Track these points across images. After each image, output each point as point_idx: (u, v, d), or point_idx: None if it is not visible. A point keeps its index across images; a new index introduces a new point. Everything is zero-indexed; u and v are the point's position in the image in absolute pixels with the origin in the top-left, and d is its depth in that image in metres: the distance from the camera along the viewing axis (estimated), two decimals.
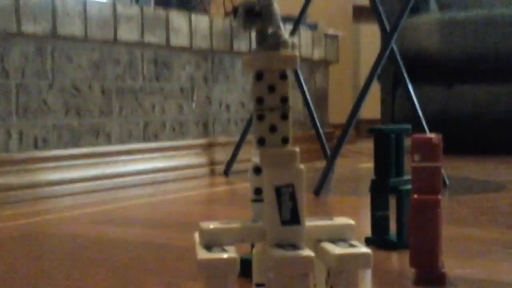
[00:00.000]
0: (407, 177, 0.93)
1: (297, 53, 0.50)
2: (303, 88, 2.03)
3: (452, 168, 2.02)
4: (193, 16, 1.94)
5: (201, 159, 1.98)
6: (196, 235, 0.52)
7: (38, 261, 0.88)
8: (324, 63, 2.66)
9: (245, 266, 0.56)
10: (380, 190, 0.94)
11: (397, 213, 0.92)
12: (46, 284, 0.76)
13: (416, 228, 0.73)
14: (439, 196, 0.73)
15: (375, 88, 2.28)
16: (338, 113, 3.05)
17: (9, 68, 1.48)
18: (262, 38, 0.50)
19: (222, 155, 2.03)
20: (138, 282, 0.76)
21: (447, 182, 1.62)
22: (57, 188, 1.55)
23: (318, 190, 1.49)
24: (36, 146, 1.54)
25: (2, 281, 0.78)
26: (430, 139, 0.73)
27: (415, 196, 0.74)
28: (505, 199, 1.38)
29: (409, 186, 0.92)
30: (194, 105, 1.97)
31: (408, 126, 0.96)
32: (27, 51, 1.51)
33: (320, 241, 0.50)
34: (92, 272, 0.81)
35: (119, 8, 1.70)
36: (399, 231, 0.91)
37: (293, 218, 0.48)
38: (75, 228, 1.13)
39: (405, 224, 0.90)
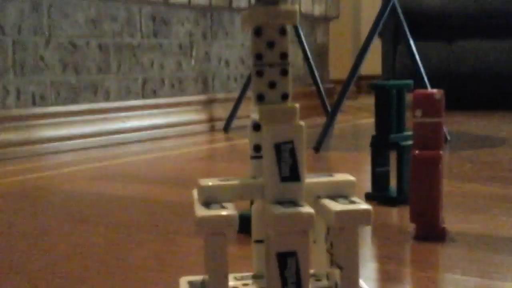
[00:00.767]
0: (408, 132, 0.93)
1: (296, 8, 0.49)
2: (303, 44, 2.01)
3: (454, 124, 2.01)
4: None
5: (201, 116, 1.97)
6: (195, 192, 0.51)
7: (36, 217, 0.88)
8: (325, 19, 2.63)
9: (244, 223, 0.56)
10: (381, 146, 0.94)
11: (397, 168, 0.91)
12: (44, 240, 0.76)
13: (416, 184, 0.73)
14: (440, 152, 0.73)
15: (376, 44, 2.26)
16: (338, 69, 3.03)
17: (5, 25, 1.46)
18: None
19: (222, 112, 2.02)
20: (137, 238, 0.76)
21: (448, 137, 1.62)
22: (55, 144, 1.55)
23: (318, 146, 1.49)
24: (34, 103, 1.53)
25: (0, 236, 0.78)
26: (432, 94, 0.72)
27: (416, 151, 0.73)
28: (506, 154, 1.38)
29: (410, 142, 0.91)
30: (193, 61, 1.95)
31: (410, 81, 0.95)
32: (23, 7, 1.49)
33: (320, 197, 0.50)
34: (91, 229, 0.81)
35: None
36: (400, 186, 0.91)
37: (293, 174, 0.47)
38: (74, 184, 1.13)
39: (406, 179, 0.90)
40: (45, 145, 1.53)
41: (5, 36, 1.46)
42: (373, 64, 3.08)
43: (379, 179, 0.94)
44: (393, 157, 0.93)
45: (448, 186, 1.02)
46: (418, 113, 0.72)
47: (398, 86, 0.93)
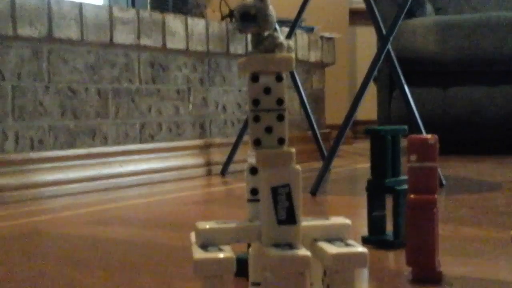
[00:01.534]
0: (404, 177, 0.94)
1: (293, 56, 0.50)
2: (299, 90, 2.03)
3: (449, 168, 2.02)
4: (189, 20, 1.94)
5: (198, 160, 1.98)
6: (192, 235, 0.52)
7: (34, 261, 0.88)
8: (321, 65, 2.66)
9: (242, 266, 0.57)
10: (377, 190, 0.95)
11: (393, 213, 0.92)
12: (42, 284, 0.76)
13: (412, 228, 0.74)
14: (435, 196, 0.74)
15: (372, 90, 2.29)
16: (334, 115, 3.05)
17: (5, 71, 1.48)
18: (258, 41, 0.50)
19: (219, 156, 2.03)
20: (134, 282, 0.76)
21: (444, 182, 1.62)
22: (53, 188, 1.55)
23: (314, 190, 1.49)
24: (32, 147, 1.54)
25: None
26: (426, 139, 0.73)
27: (412, 196, 0.74)
28: (502, 199, 1.39)
29: (405, 186, 0.92)
30: (190, 106, 1.97)
31: (405, 127, 0.97)
32: (23, 54, 1.52)
33: (316, 240, 0.50)
34: (88, 273, 0.81)
35: (116, 12, 1.71)
36: (396, 230, 0.92)
37: (290, 217, 0.48)
38: (71, 228, 1.13)
39: (402, 223, 0.91)
40: (42, 189, 1.53)
41: (5, 82, 1.48)
42: (368, 109, 3.11)
43: (375, 223, 0.95)
44: (389, 201, 0.94)
45: (444, 230, 1.03)
46: (413, 158, 0.74)
47: (393, 131, 0.95)
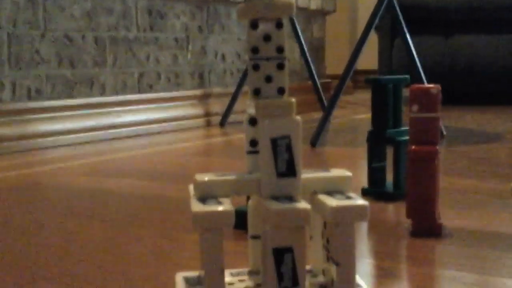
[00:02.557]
0: (405, 128, 0.93)
1: (293, 1, 0.48)
2: (299, 38, 2.00)
3: (450, 119, 2.01)
4: None
5: (197, 110, 1.96)
6: (191, 187, 0.51)
7: (31, 212, 0.87)
8: (321, 13, 2.62)
9: (241, 218, 0.56)
10: (377, 141, 0.93)
11: (394, 164, 0.91)
12: (40, 235, 0.75)
13: (413, 179, 0.73)
14: (437, 147, 0.73)
15: (373, 39, 2.26)
16: (335, 64, 3.02)
17: (0, 18, 1.45)
18: None
19: (218, 106, 2.01)
20: (133, 234, 0.76)
21: (445, 132, 1.62)
22: (51, 139, 1.54)
23: (314, 142, 1.48)
24: (29, 97, 1.52)
25: None
26: (428, 89, 0.72)
27: (413, 147, 0.73)
28: (502, 150, 1.38)
29: (406, 137, 0.91)
30: (189, 55, 1.95)
31: (406, 76, 0.95)
32: (18, 0, 1.49)
33: (316, 193, 0.49)
34: (86, 224, 0.81)
35: None
36: (396, 182, 0.91)
37: (289, 170, 0.47)
38: (69, 179, 1.13)
39: (402, 175, 0.90)
40: (40, 140, 1.52)
41: (1, 30, 1.46)
42: (369, 59, 3.08)
43: (375, 174, 0.94)
44: (390, 152, 0.93)
45: (444, 182, 1.02)
46: (415, 108, 0.72)
47: (394, 81, 0.93)
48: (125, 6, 1.74)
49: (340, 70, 1.62)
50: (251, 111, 0.49)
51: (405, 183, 0.88)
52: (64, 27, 1.58)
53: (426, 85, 0.73)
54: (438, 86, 0.72)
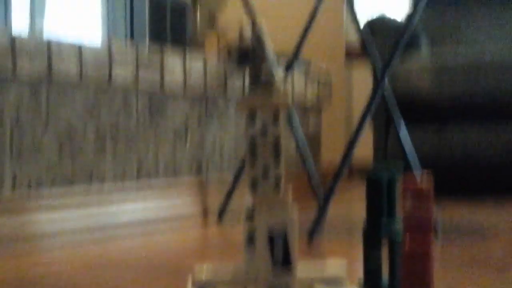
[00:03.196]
0: (399, 219, 0.93)
1: (289, 93, 0.51)
2: (296, 131, 2.04)
3: (445, 211, 2.02)
4: (188, 57, 1.96)
5: (195, 200, 1.98)
6: (190, 279, 0.52)
7: None
8: (317, 108, 2.68)
9: None
10: (373, 234, 0.94)
11: (389, 261, 0.91)
12: None
13: (408, 278, 0.73)
14: (431, 248, 0.73)
15: (368, 135, 2.29)
16: (331, 156, 3.06)
17: (4, 108, 1.49)
18: (256, 77, 0.51)
19: (216, 196, 2.03)
20: None
21: (439, 226, 1.62)
22: (49, 227, 1.55)
23: (311, 233, 1.49)
24: (29, 187, 1.54)
25: None
26: (421, 189, 0.73)
27: (407, 247, 0.74)
28: (498, 244, 1.39)
29: (400, 230, 0.92)
30: (188, 145, 1.98)
31: (399, 169, 0.96)
32: (22, 92, 1.53)
33: (313, 283, 0.50)
34: None
35: (114, 49, 1.72)
36: (392, 279, 0.91)
37: (286, 261, 0.48)
38: (67, 270, 1.13)
39: (398, 272, 0.90)
40: (38, 228, 1.52)
41: (4, 119, 1.49)
42: (365, 148, 3.11)
43: (371, 266, 0.94)
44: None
45: (439, 280, 1.03)
46: (408, 206, 0.73)
47: (389, 176, 0.94)
48: (126, 98, 1.78)
49: (336, 161, 1.65)
50: (249, 205, 0.50)
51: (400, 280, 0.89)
52: (66, 118, 1.62)
53: (418, 179, 0.74)
54: (430, 179, 0.74)
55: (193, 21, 3.07)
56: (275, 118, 0.51)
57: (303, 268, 0.50)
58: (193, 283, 0.50)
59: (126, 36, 2.43)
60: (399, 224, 0.93)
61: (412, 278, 0.73)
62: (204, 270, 0.50)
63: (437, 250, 1.28)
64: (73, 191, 1.63)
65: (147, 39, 2.42)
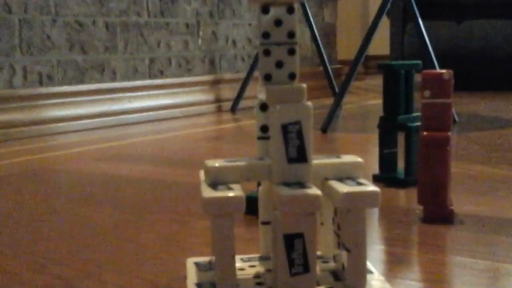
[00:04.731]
0: (417, 114, 0.92)
1: None
2: (311, 23, 1.99)
3: (462, 105, 2.00)
4: None
5: (208, 96, 1.96)
6: (202, 173, 0.51)
7: (43, 198, 0.88)
8: None
9: (251, 204, 0.56)
10: (389, 127, 0.93)
11: (405, 150, 0.91)
12: (52, 221, 0.76)
13: (424, 165, 0.73)
14: (449, 133, 0.72)
15: (385, 24, 2.24)
16: (346, 50, 3.01)
17: (12, 3, 1.45)
18: None
19: (229, 92, 2.01)
20: (144, 219, 0.76)
21: (457, 118, 1.61)
22: (62, 124, 1.55)
23: (325, 127, 1.48)
24: (40, 82, 1.52)
25: (8, 217, 0.78)
26: (441, 74, 0.71)
27: (424, 133, 0.72)
28: None
29: (418, 123, 0.90)
30: (200, 41, 1.94)
31: (418, 62, 0.94)
32: None
33: (327, 179, 0.49)
34: (98, 209, 0.81)
35: None
36: (408, 168, 0.90)
37: (300, 156, 0.47)
38: (81, 164, 1.13)
39: (414, 161, 0.89)
40: (51, 125, 1.52)
41: (12, 15, 1.46)
42: (381, 44, 3.06)
43: (386, 160, 0.94)
44: (401, 138, 0.93)
45: (456, 168, 1.02)
46: (427, 93, 0.72)
47: (406, 66, 0.92)
48: None
49: (351, 56, 1.62)
50: (262, 96, 0.48)
51: (416, 170, 0.88)
52: (74, 12, 1.58)
53: (438, 70, 0.72)
54: (450, 71, 0.72)
55: None
56: (289, 11, 0.48)
57: (317, 164, 0.49)
58: (205, 178, 0.49)
59: None
60: (416, 119, 0.91)
61: (429, 166, 0.72)
62: (216, 166, 0.48)
63: (454, 138, 1.27)
64: (85, 88, 1.62)
65: None
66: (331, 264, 0.52)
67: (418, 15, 1.55)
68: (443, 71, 0.72)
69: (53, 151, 1.28)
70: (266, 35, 0.48)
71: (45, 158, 1.21)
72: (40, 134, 1.49)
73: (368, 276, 0.50)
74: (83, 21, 1.61)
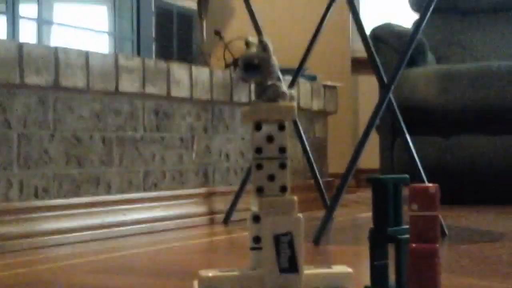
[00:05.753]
0: (406, 226, 0.94)
1: (295, 105, 0.51)
2: (302, 138, 2.04)
3: (452, 218, 2.02)
4: (194, 68, 1.97)
5: (201, 208, 1.98)
6: (195, 284, 0.52)
7: None
8: (323, 114, 2.68)
9: None
10: (379, 239, 0.94)
11: (395, 262, 0.92)
12: None
13: (415, 278, 0.74)
14: (437, 245, 0.74)
15: (374, 139, 2.30)
16: (337, 163, 3.06)
17: (11, 118, 1.50)
18: (261, 90, 0.51)
19: (222, 204, 2.03)
20: None
21: (447, 232, 1.62)
22: (56, 237, 1.55)
23: (317, 239, 1.49)
24: (36, 195, 1.54)
25: None
26: (427, 188, 0.74)
27: (413, 245, 0.74)
28: (505, 249, 1.38)
29: (407, 235, 0.92)
30: (194, 154, 1.98)
31: (406, 176, 0.97)
32: (29, 102, 1.53)
33: None
34: None
35: (121, 60, 1.73)
36: (399, 280, 0.91)
37: (292, 266, 0.48)
38: (73, 277, 1.13)
39: (404, 273, 0.90)
40: (45, 238, 1.53)
41: (11, 130, 1.50)
42: (371, 159, 3.12)
43: (378, 272, 0.94)
44: (392, 250, 0.94)
45: (446, 281, 1.02)
46: (414, 206, 0.74)
47: (394, 180, 0.95)
48: (133, 107, 1.79)
49: (342, 169, 1.65)
50: (254, 208, 0.51)
51: (407, 281, 0.89)
52: (72, 127, 1.63)
53: (425, 184, 0.75)
54: (436, 185, 0.74)
55: (200, 32, 3.08)
56: (281, 128, 0.52)
57: (309, 274, 0.50)
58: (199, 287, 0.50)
59: (132, 50, 2.45)
60: (405, 231, 0.93)
61: (420, 279, 0.73)
62: (210, 276, 0.50)
63: (444, 250, 1.28)
64: (80, 201, 1.64)
65: (154, 56, 2.44)
66: None
67: (405, 130, 1.60)
68: (429, 185, 0.74)
69: (45, 264, 1.28)
70: (258, 150, 0.51)
71: (38, 270, 1.21)
72: (34, 246, 1.50)
73: None
74: (81, 136, 1.65)
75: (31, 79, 1.51)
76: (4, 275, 1.17)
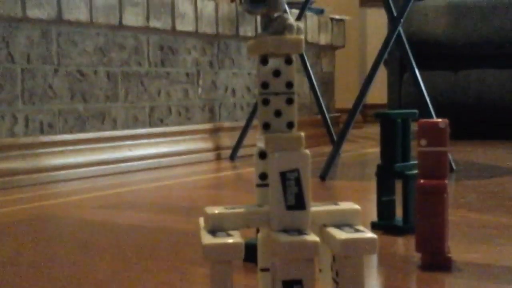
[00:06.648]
0: (414, 162, 0.93)
1: (302, 37, 0.49)
2: (309, 73, 2.02)
3: (459, 153, 2.01)
4: (199, 1, 1.93)
5: (207, 144, 1.98)
6: (201, 220, 0.52)
7: (43, 246, 0.88)
8: (331, 48, 2.64)
9: (250, 251, 0.56)
10: (386, 175, 0.94)
11: (403, 198, 0.91)
12: (51, 269, 0.76)
13: (422, 213, 0.73)
14: (446, 181, 0.73)
15: (382, 73, 2.27)
16: (344, 98, 3.04)
17: (15, 53, 1.48)
18: (267, 22, 0.49)
19: (228, 140, 2.02)
20: (144, 267, 0.76)
21: (454, 167, 1.62)
22: (63, 172, 1.56)
23: (324, 175, 1.49)
24: (41, 131, 1.54)
25: (7, 264, 0.78)
26: (437, 123, 0.73)
27: (421, 181, 0.73)
28: None
29: (415, 171, 0.91)
30: (200, 90, 1.97)
31: (415, 111, 0.96)
32: (32, 36, 1.51)
33: (325, 226, 0.50)
34: (98, 257, 0.81)
35: None
36: (405, 216, 0.91)
37: (298, 203, 0.48)
38: (81, 212, 1.13)
39: (411, 209, 0.90)
40: (52, 173, 1.53)
41: (15, 65, 1.48)
42: (379, 93, 3.09)
43: (384, 208, 0.94)
44: (398, 186, 0.94)
45: (453, 216, 1.02)
46: (423, 142, 0.73)
47: (403, 115, 0.94)
48: (137, 41, 1.76)
49: (349, 104, 1.64)
50: (261, 144, 0.49)
51: (414, 217, 0.89)
52: (76, 62, 1.61)
53: (434, 119, 0.73)
54: (446, 120, 0.73)
55: None
56: (288, 62, 0.50)
57: (315, 211, 0.50)
58: (205, 225, 0.50)
59: None
60: (413, 167, 0.92)
61: (427, 215, 0.73)
62: (216, 213, 0.49)
63: (452, 186, 1.27)
64: (85, 137, 1.63)
65: None
66: None
67: (414, 65, 1.58)
68: (439, 120, 0.73)
69: (53, 199, 1.29)
70: (265, 85, 0.49)
71: (45, 205, 1.21)
72: (41, 182, 1.50)
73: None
74: (85, 71, 1.63)
75: (33, 12, 1.48)
76: (13, 210, 1.17)
